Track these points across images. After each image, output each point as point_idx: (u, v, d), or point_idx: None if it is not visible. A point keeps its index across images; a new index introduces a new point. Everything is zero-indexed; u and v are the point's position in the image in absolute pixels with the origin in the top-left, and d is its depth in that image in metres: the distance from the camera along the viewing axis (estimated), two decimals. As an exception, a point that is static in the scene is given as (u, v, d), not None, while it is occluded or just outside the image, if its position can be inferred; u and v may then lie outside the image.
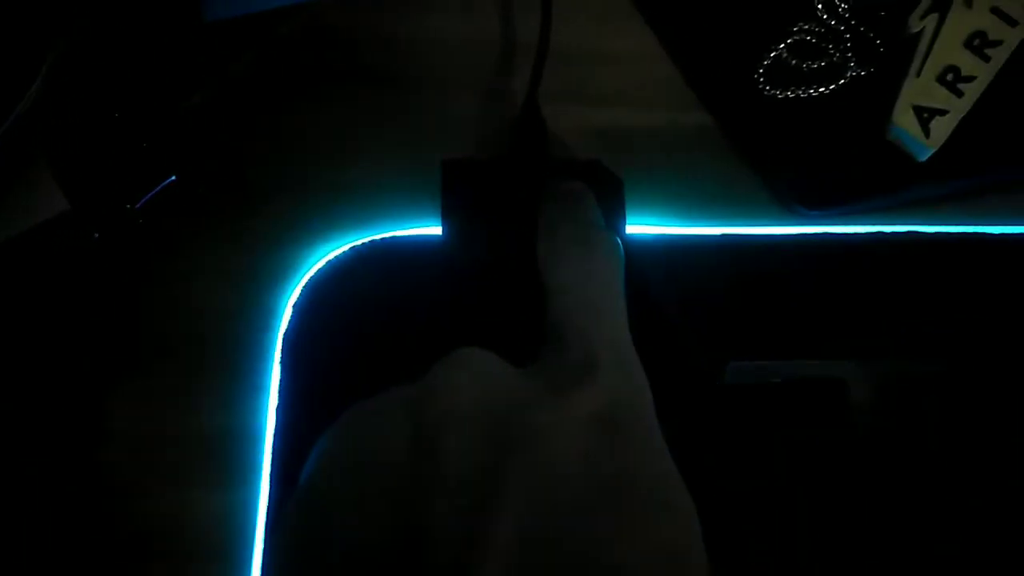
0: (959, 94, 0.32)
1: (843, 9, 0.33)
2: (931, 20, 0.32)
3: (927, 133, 0.32)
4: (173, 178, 0.30)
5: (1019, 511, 0.28)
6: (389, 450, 0.21)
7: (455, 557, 0.18)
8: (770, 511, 0.28)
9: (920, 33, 0.32)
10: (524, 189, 0.29)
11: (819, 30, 0.33)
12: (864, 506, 0.28)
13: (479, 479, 0.19)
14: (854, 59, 0.33)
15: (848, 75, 0.33)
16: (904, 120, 0.32)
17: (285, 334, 0.30)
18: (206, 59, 0.32)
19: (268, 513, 0.28)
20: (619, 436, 0.21)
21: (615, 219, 0.30)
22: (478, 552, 0.18)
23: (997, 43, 0.32)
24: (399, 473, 0.20)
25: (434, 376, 0.22)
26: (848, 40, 0.33)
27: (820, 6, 0.33)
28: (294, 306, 0.30)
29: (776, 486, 0.28)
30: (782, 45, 0.33)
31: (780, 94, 0.33)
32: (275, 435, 0.29)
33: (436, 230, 0.30)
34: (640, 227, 0.31)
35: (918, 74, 0.32)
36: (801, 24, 0.33)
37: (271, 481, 0.29)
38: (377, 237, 0.31)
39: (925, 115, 0.32)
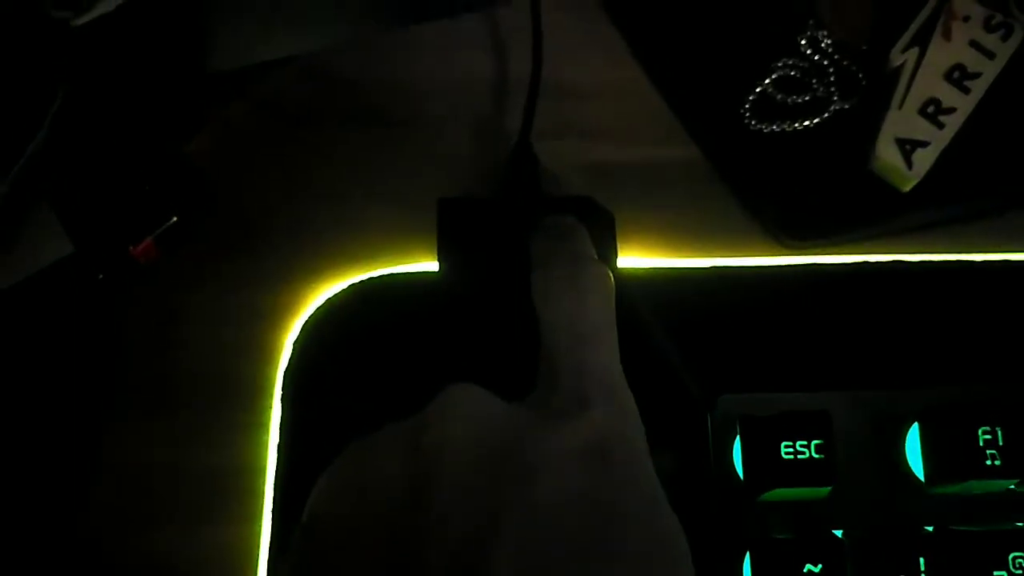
0: (940, 126, 0.33)
1: (826, 44, 0.34)
2: (912, 54, 0.33)
3: (909, 164, 0.32)
4: (175, 220, 0.31)
5: (1007, 539, 0.29)
6: (386, 488, 0.21)
7: None
8: (761, 541, 0.28)
9: (901, 67, 0.33)
10: (518, 226, 0.30)
11: (803, 65, 0.34)
12: (852, 535, 0.29)
13: (472, 516, 0.20)
14: (837, 93, 0.34)
15: (832, 109, 0.34)
16: (887, 152, 0.32)
17: (286, 372, 0.30)
18: (205, 103, 0.32)
19: (270, 549, 0.29)
20: (609, 467, 0.21)
21: (607, 253, 0.30)
22: None
23: (976, 75, 0.33)
24: (395, 510, 0.20)
25: (428, 414, 0.22)
26: (831, 75, 0.34)
27: (803, 42, 0.34)
28: (294, 344, 0.31)
29: (768, 519, 0.29)
30: (767, 80, 0.34)
31: (765, 128, 0.33)
32: (277, 472, 0.29)
33: (433, 267, 0.31)
34: (631, 261, 0.32)
35: (900, 107, 0.33)
36: (785, 59, 0.34)
37: (273, 518, 0.29)
38: (375, 275, 0.31)
39: (907, 147, 0.32)
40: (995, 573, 0.28)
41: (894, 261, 0.33)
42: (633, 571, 0.20)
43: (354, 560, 0.20)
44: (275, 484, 0.29)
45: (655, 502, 0.22)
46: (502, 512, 0.20)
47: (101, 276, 0.31)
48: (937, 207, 0.33)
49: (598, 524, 0.20)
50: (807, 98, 0.34)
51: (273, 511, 0.29)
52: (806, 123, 0.33)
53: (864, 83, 0.34)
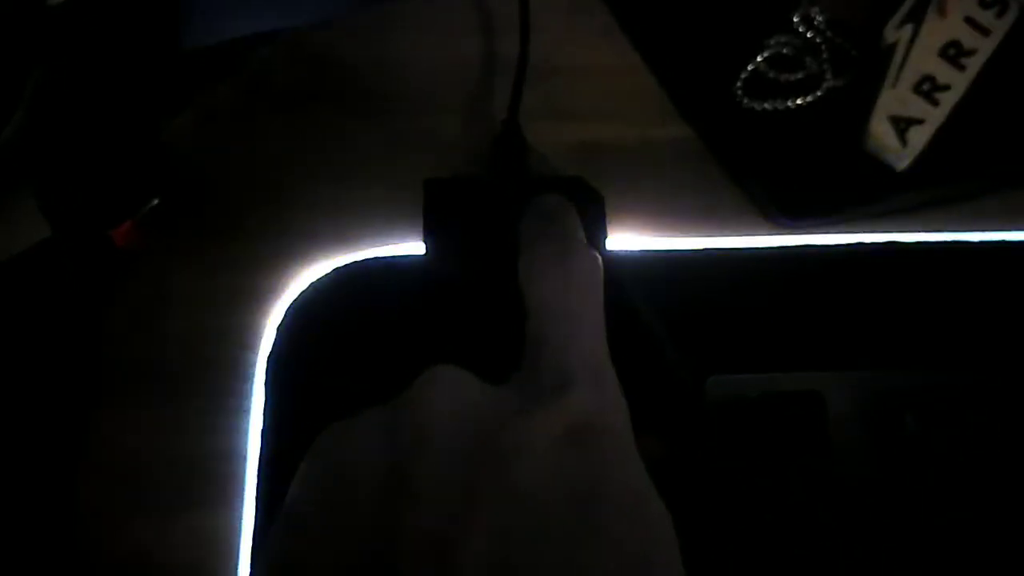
0: (935, 103, 0.32)
1: (819, 21, 0.33)
2: (906, 31, 0.33)
3: (904, 142, 0.32)
4: (156, 202, 0.30)
5: (998, 518, 0.28)
6: (365, 471, 0.21)
7: None
8: (752, 525, 0.28)
9: (895, 44, 0.33)
10: (506, 207, 0.29)
11: (796, 42, 0.33)
12: (845, 517, 0.29)
13: (449, 500, 0.19)
14: (831, 70, 0.33)
15: (825, 86, 0.33)
16: (881, 130, 0.32)
17: (269, 356, 0.30)
18: (187, 84, 0.32)
19: (253, 535, 0.28)
20: (589, 450, 0.21)
21: (597, 234, 0.30)
22: (447, 572, 0.18)
23: (971, 52, 0.33)
24: (374, 494, 0.20)
25: (407, 397, 0.22)
26: (824, 52, 0.33)
27: (797, 19, 0.33)
28: (278, 328, 0.30)
29: (760, 502, 0.29)
30: (760, 58, 0.33)
31: (758, 106, 0.33)
32: (260, 457, 0.29)
33: (418, 249, 0.30)
34: (622, 242, 0.32)
35: (894, 84, 0.32)
36: (778, 37, 0.33)
37: (256, 503, 0.29)
38: (360, 257, 0.31)
39: (902, 124, 0.32)
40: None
41: (889, 241, 0.32)
42: (616, 556, 0.19)
43: (333, 544, 0.20)
44: (258, 469, 0.29)
45: (639, 486, 0.21)
46: (478, 495, 0.19)
47: (81, 259, 0.30)
48: (932, 186, 0.33)
49: (578, 507, 0.20)
50: (800, 76, 0.33)
51: (256, 497, 0.29)
52: (799, 101, 0.33)
53: (858, 60, 0.33)
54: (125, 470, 0.30)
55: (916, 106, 0.32)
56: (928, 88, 0.32)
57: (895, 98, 0.32)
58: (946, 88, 0.32)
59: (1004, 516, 0.28)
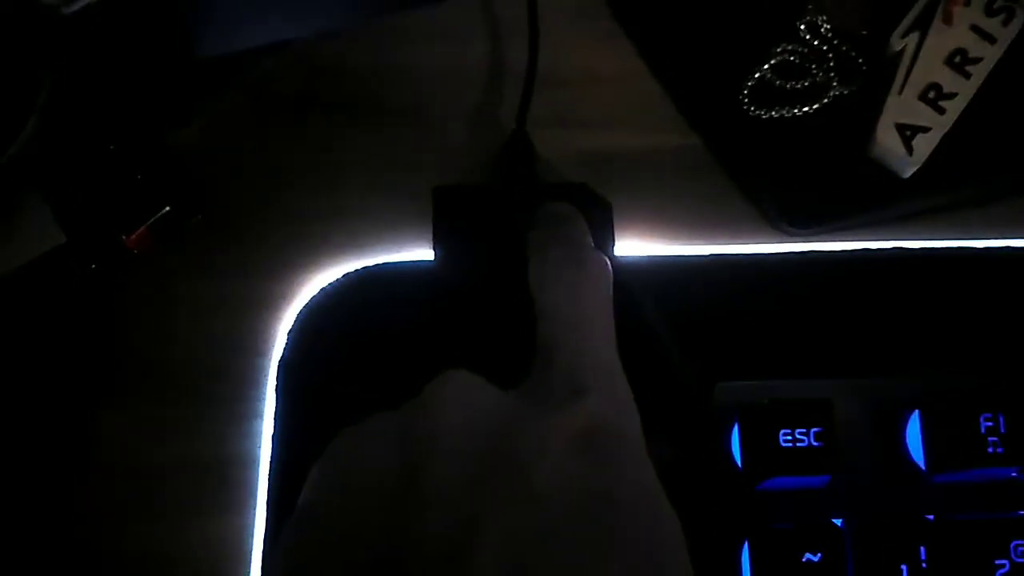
0: (941, 111, 0.32)
1: (825, 30, 0.34)
2: (912, 39, 0.33)
3: (910, 150, 0.32)
4: (167, 209, 0.31)
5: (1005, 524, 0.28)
6: (377, 476, 0.21)
7: None
8: (759, 530, 0.28)
9: (901, 52, 0.33)
10: (514, 213, 0.30)
11: (802, 50, 0.34)
12: (852, 523, 0.29)
13: (462, 504, 0.19)
14: (837, 78, 0.33)
15: (831, 94, 0.33)
16: (887, 138, 0.32)
17: (280, 361, 0.30)
18: (198, 92, 0.32)
19: (265, 540, 0.29)
20: (602, 457, 0.21)
21: (604, 241, 0.30)
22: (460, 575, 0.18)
23: (977, 60, 0.33)
24: (386, 499, 0.20)
25: (419, 402, 0.22)
26: (831, 60, 0.33)
27: (803, 27, 0.34)
28: (289, 333, 0.31)
29: (766, 507, 0.29)
30: (766, 66, 0.33)
31: (765, 114, 0.33)
32: (271, 462, 0.29)
33: (428, 255, 0.30)
34: (629, 248, 0.32)
35: (900, 92, 0.33)
36: (784, 45, 0.34)
37: (268, 508, 0.29)
38: (370, 264, 0.31)
39: (908, 132, 0.32)
40: (996, 562, 0.28)
41: (894, 248, 0.32)
42: (627, 559, 0.19)
43: (345, 549, 0.20)
44: (269, 475, 0.29)
45: (649, 491, 0.21)
46: (492, 501, 0.19)
47: (94, 266, 0.31)
48: (938, 193, 0.33)
49: (590, 513, 0.20)
50: (806, 84, 0.33)
51: (267, 502, 0.29)
52: (805, 109, 0.33)
53: (864, 68, 0.33)
54: (137, 474, 0.30)
55: (922, 114, 0.32)
56: (934, 96, 0.32)
57: (901, 106, 0.32)
58: (952, 96, 0.32)
59: (1014, 524, 0.28)
